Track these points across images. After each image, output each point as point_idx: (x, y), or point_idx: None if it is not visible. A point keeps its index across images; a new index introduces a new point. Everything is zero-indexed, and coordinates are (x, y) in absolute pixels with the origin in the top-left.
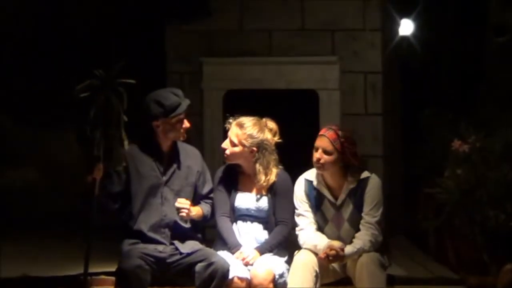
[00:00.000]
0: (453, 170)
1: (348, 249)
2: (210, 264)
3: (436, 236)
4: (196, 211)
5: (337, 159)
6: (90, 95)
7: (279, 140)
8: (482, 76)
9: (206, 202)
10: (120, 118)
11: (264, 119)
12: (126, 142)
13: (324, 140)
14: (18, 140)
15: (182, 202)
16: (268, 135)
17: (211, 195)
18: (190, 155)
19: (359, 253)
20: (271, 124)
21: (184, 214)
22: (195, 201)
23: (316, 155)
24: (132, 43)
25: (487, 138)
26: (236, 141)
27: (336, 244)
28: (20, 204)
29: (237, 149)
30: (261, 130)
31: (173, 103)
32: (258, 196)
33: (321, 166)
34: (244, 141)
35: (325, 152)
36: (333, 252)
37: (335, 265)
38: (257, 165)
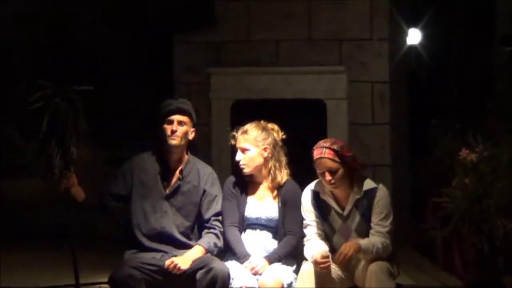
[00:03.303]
0: (461, 180)
1: (364, 242)
2: (210, 270)
3: (443, 246)
4: (194, 254)
5: (344, 172)
6: (43, 105)
7: (284, 136)
8: (490, 86)
9: (210, 232)
10: (71, 126)
11: (262, 121)
12: (74, 151)
13: (326, 162)
14: (25, 153)
15: (168, 264)
16: (274, 134)
17: (220, 218)
18: (200, 174)
19: (372, 248)
20: (271, 125)
21: (180, 271)
22: (199, 223)
23: (327, 177)
24: (140, 54)
25: (495, 147)
26: (247, 145)
27: (319, 255)
28: (25, 216)
29: (251, 153)
30: (265, 129)
31: (167, 103)
32: (269, 205)
33: (335, 185)
34: (255, 142)
35: (331, 172)
36: (318, 264)
37: (340, 273)
38: (272, 162)
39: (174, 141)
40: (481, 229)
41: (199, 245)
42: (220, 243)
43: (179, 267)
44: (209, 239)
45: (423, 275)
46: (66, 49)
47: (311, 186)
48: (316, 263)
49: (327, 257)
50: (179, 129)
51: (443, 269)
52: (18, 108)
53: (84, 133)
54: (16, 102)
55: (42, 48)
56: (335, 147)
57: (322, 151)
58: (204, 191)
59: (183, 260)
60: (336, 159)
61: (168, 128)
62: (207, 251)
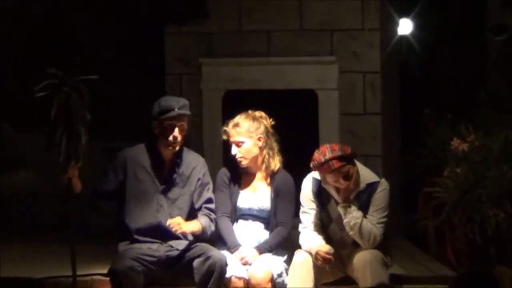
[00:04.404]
0: (452, 169)
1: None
2: (208, 258)
3: (435, 236)
4: (193, 226)
5: (354, 170)
6: (49, 94)
7: (273, 122)
8: (481, 75)
9: (205, 214)
10: (80, 115)
11: (250, 111)
12: (83, 139)
13: (336, 172)
14: (21, 146)
15: (173, 221)
16: (264, 121)
17: (211, 205)
18: (193, 164)
19: (358, 217)
20: (258, 113)
21: (179, 231)
22: (192, 210)
23: (344, 184)
24: (130, 45)
25: (486, 137)
26: (242, 138)
27: (324, 248)
28: (23, 209)
29: (247, 145)
30: (255, 119)
31: (168, 106)
32: (261, 196)
33: (353, 187)
34: (249, 134)
35: (346, 176)
36: (319, 257)
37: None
38: (266, 150)
39: (177, 146)
40: (472, 218)
41: (197, 221)
42: (213, 228)
43: (181, 227)
44: (205, 219)
45: (415, 265)
46: (56, 41)
47: (313, 174)
48: (318, 257)
49: (332, 254)
50: (180, 134)
51: (435, 259)
52: (10, 100)
53: (89, 124)
54: (8, 94)
55: (32, 40)
56: (337, 154)
57: (330, 165)
58: (198, 180)
59: (191, 223)
60: (344, 163)
61: (169, 132)
62: (203, 230)
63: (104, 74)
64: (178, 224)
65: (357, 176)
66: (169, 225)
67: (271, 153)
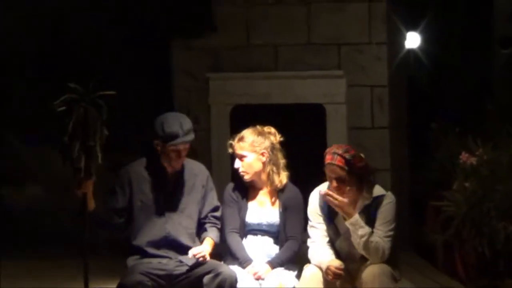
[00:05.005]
0: (461, 183)
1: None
2: (218, 274)
3: (444, 249)
4: (210, 246)
5: (352, 181)
6: (68, 109)
7: (281, 139)
8: (489, 89)
9: (212, 225)
10: (97, 131)
11: (258, 126)
12: (99, 156)
13: (335, 169)
14: (26, 159)
15: (195, 252)
16: (271, 137)
17: (217, 213)
18: (195, 172)
19: (364, 235)
20: (267, 128)
21: (202, 259)
22: (199, 218)
23: (333, 184)
24: (138, 59)
25: (495, 151)
26: (245, 152)
27: (335, 264)
28: (27, 222)
29: (249, 159)
30: (261, 134)
31: (172, 133)
32: (270, 210)
33: (342, 193)
34: (252, 148)
35: (339, 179)
36: (330, 272)
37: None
38: (270, 166)
39: (179, 165)
40: (481, 232)
41: (210, 238)
42: (218, 238)
43: (205, 256)
44: (214, 234)
45: (424, 278)
46: (65, 54)
47: (320, 188)
48: (329, 272)
49: (342, 269)
50: (184, 155)
51: (444, 273)
52: (17, 114)
53: (105, 139)
54: (17, 107)
55: (39, 55)
56: (347, 156)
57: (333, 157)
58: (202, 186)
59: (204, 250)
60: (346, 167)
61: (173, 157)
62: (215, 243)
63: (111, 89)
64: (201, 252)
65: (358, 198)
66: (195, 255)
67: (275, 169)
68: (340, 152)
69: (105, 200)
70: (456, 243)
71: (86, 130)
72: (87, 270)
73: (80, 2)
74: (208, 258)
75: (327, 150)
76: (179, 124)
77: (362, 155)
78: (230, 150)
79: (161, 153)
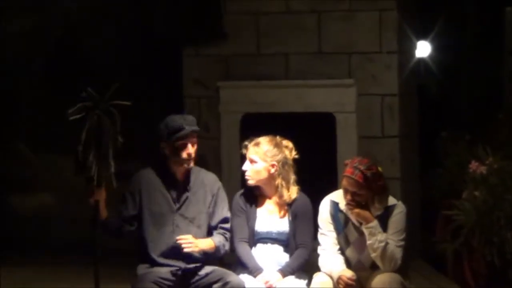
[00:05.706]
0: (471, 192)
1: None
2: (226, 283)
3: (454, 258)
4: (206, 244)
5: (367, 196)
6: (82, 117)
7: (297, 156)
8: (499, 98)
9: (219, 233)
10: (110, 140)
11: (278, 137)
12: (112, 164)
13: (353, 184)
14: (36, 167)
15: (183, 238)
16: (286, 151)
17: (226, 225)
18: (205, 182)
19: (383, 241)
20: (286, 142)
21: (189, 249)
22: (209, 228)
23: (347, 197)
24: (149, 67)
25: (505, 160)
26: (256, 158)
27: (347, 274)
28: (38, 230)
29: (258, 166)
30: (278, 146)
31: (176, 126)
32: (279, 219)
33: (354, 206)
34: (264, 157)
35: (355, 194)
36: (342, 282)
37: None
38: (279, 180)
39: (192, 163)
40: (491, 241)
41: (211, 239)
42: (227, 247)
43: (194, 245)
44: (219, 238)
45: (434, 286)
46: (75, 63)
47: (331, 196)
48: (341, 281)
49: (354, 280)
50: (194, 149)
51: (454, 282)
52: (26, 121)
53: (120, 148)
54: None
55: (50, 63)
56: (368, 174)
57: (354, 172)
58: (212, 196)
59: (203, 241)
60: (364, 184)
61: (182, 151)
62: (216, 248)
63: (121, 97)
64: (189, 242)
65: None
66: (177, 240)
67: (284, 183)
68: (362, 168)
69: (117, 209)
70: (466, 252)
71: (99, 138)
72: (98, 278)
73: (92, 13)
74: (195, 250)
75: (349, 161)
76: (181, 117)
77: (380, 169)
78: (243, 151)
79: (169, 156)
